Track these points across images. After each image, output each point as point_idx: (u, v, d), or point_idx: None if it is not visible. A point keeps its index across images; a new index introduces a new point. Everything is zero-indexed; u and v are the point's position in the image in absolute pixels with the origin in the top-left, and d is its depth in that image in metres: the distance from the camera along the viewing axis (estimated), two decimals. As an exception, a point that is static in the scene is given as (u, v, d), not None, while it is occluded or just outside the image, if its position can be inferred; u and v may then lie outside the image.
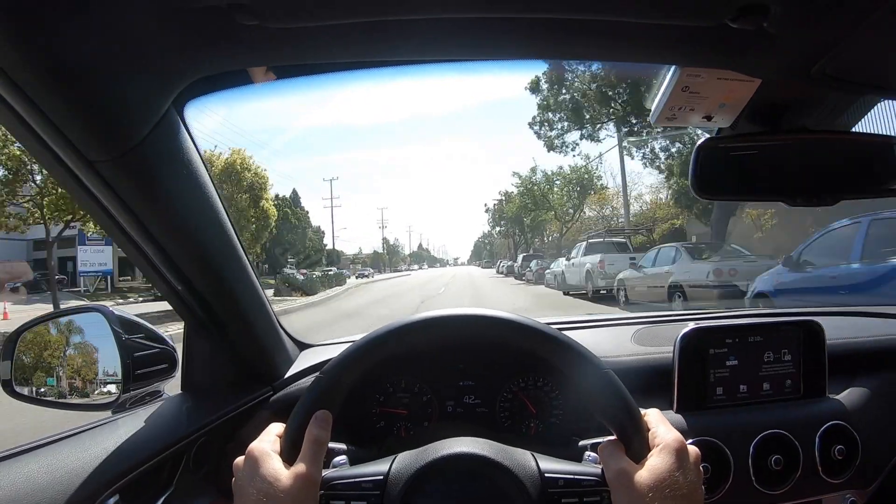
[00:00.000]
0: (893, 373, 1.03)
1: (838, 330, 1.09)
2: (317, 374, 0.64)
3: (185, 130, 0.65)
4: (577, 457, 0.69)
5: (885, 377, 1.02)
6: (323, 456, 0.61)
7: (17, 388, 0.82)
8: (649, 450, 0.59)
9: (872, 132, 0.83)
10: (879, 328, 1.17)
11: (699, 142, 0.74)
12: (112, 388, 0.82)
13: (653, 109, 0.73)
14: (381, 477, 0.61)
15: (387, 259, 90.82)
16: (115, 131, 0.56)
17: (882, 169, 0.80)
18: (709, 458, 0.86)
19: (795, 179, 0.77)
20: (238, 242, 0.79)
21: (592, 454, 0.68)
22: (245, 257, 0.82)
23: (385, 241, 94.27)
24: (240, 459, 0.61)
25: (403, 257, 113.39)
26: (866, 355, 1.07)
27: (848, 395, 0.99)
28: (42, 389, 0.84)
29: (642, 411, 0.63)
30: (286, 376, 0.96)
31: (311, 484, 0.59)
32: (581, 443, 0.72)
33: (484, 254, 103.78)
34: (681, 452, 0.58)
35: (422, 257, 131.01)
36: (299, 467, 0.58)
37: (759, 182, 0.76)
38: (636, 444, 0.60)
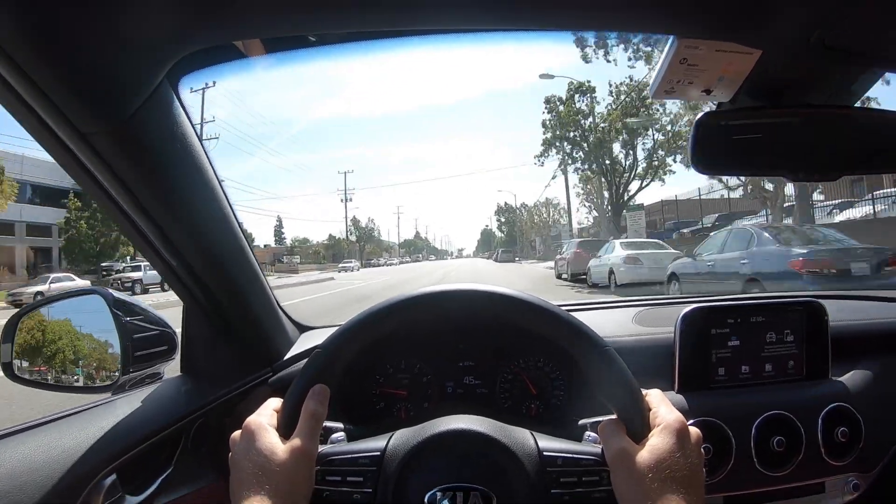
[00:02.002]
0: None
1: (842, 312, 1.08)
2: (315, 348, 0.64)
3: (178, 104, 0.65)
4: (577, 437, 0.68)
5: (888, 360, 1.01)
6: (319, 431, 0.60)
7: (18, 371, 0.83)
8: (650, 430, 0.59)
9: (875, 107, 0.82)
10: (883, 312, 1.16)
11: (698, 116, 0.73)
12: (111, 370, 0.82)
13: (651, 82, 0.72)
14: (378, 453, 0.61)
15: (358, 248, 65.46)
16: (108, 103, 0.56)
17: (885, 144, 0.79)
18: (710, 439, 0.85)
19: (797, 155, 0.76)
20: (234, 220, 0.79)
21: (592, 434, 0.67)
22: (242, 236, 0.82)
23: (354, 222, 66.39)
24: (237, 434, 0.61)
25: (388, 247, 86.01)
26: (870, 338, 1.06)
27: (851, 378, 0.98)
28: (42, 372, 0.85)
29: (644, 391, 0.62)
30: (286, 358, 0.96)
31: (308, 458, 0.58)
32: (581, 422, 0.72)
33: (494, 243, 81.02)
34: (682, 433, 0.58)
35: (417, 247, 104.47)
36: (295, 441, 0.58)
37: (760, 157, 0.75)
38: (637, 423, 0.59)
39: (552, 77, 19.91)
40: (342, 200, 60.68)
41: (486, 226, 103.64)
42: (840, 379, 0.97)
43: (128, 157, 0.62)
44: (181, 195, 0.70)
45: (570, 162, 22.70)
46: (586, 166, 22.07)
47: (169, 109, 0.64)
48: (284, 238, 60.47)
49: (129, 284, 19.44)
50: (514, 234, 61.74)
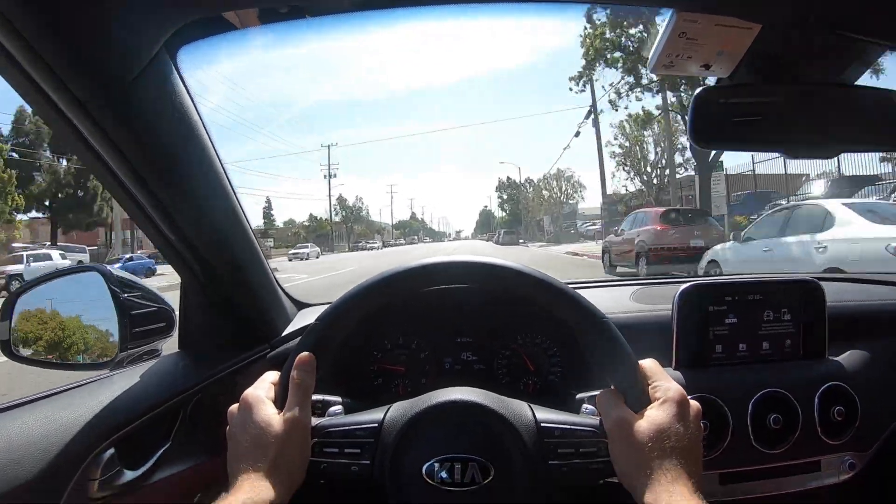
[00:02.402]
0: (894, 337, 1.03)
1: (839, 294, 1.08)
2: (313, 321, 0.64)
3: (176, 73, 0.65)
4: (574, 411, 0.68)
5: (885, 342, 1.01)
6: (309, 399, 0.60)
7: (16, 350, 0.83)
8: (649, 401, 0.58)
9: (874, 86, 0.82)
10: (881, 294, 1.16)
11: (697, 91, 0.73)
12: (110, 347, 0.82)
13: (650, 56, 0.72)
14: (376, 424, 0.61)
15: (345, 229, 58.34)
16: (105, 69, 0.56)
17: (883, 122, 0.79)
18: (707, 416, 0.85)
19: (795, 131, 0.76)
20: (233, 194, 0.79)
21: (590, 407, 0.68)
22: (241, 211, 0.81)
23: (340, 201, 58.65)
24: (234, 407, 0.62)
25: (380, 228, 76.73)
26: (868, 319, 1.06)
27: (848, 358, 0.98)
28: (40, 350, 0.85)
29: (640, 362, 0.62)
30: (283, 334, 0.96)
31: (301, 428, 0.58)
32: (578, 395, 0.72)
33: (494, 224, 71.86)
34: (682, 405, 0.58)
35: (412, 228, 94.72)
36: (288, 413, 0.58)
37: (758, 133, 0.75)
38: (635, 394, 0.59)
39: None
40: (325, 177, 51.61)
41: (486, 206, 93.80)
42: (837, 359, 0.97)
43: (126, 126, 0.62)
44: (179, 166, 0.70)
45: (625, 92, 14.31)
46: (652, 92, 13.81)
47: (167, 79, 0.64)
48: (274, 220, 56.70)
49: (3, 282, 14.50)
50: (518, 212, 51.68)
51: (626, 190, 20.35)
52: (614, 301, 1.08)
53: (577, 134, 18.86)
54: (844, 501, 0.96)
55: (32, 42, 0.50)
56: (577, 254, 16.29)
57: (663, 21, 0.69)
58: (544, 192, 38.25)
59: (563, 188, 36.37)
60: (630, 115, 16.23)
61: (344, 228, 59.12)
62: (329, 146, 55.60)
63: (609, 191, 19.89)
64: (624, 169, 19.75)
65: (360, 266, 18.21)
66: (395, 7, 0.63)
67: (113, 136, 0.62)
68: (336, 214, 57.56)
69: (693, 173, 13.71)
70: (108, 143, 0.62)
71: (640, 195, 18.73)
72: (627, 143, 18.67)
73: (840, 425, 0.91)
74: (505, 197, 61.07)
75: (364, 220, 67.09)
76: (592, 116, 16.19)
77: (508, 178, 58.95)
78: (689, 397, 0.60)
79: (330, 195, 53.23)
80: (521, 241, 37.09)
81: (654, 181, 16.27)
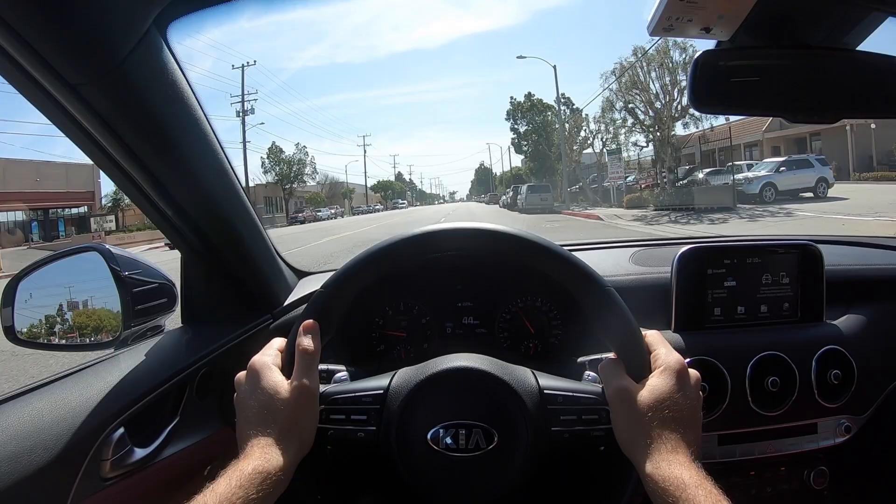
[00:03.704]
0: (891, 302, 1.04)
1: (837, 257, 1.08)
2: (318, 288, 0.64)
3: (167, 50, 0.64)
4: (576, 375, 0.69)
5: (882, 306, 1.02)
6: (316, 365, 0.61)
7: (19, 335, 0.83)
8: (650, 370, 0.59)
9: (877, 52, 0.81)
10: (879, 258, 1.16)
11: (697, 54, 0.72)
12: (113, 325, 0.83)
13: (649, 19, 0.71)
14: (382, 391, 0.62)
15: (283, 193, 38.21)
16: (96, 51, 0.55)
17: (884, 89, 0.78)
18: (706, 378, 0.86)
19: (796, 95, 0.76)
20: (228, 165, 0.78)
21: (592, 373, 0.69)
22: (237, 181, 0.81)
23: (274, 151, 37.52)
24: (241, 374, 0.62)
25: (347, 191, 53.91)
26: (865, 284, 1.07)
27: (845, 322, 0.99)
28: (44, 333, 0.85)
29: (643, 332, 0.63)
30: (286, 304, 0.96)
31: (310, 395, 0.59)
32: (580, 360, 0.73)
33: (494, 182, 58.63)
34: (682, 374, 0.59)
35: (396, 191, 74.29)
36: (296, 380, 0.59)
37: (759, 97, 0.75)
38: (637, 363, 0.60)
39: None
40: (238, 113, 31.74)
41: (482, 163, 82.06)
42: (834, 322, 0.98)
43: (119, 107, 0.61)
44: (175, 143, 0.69)
45: None
46: None
47: (158, 56, 0.63)
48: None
49: None
50: (548, 154, 29.72)
51: None
52: (614, 263, 1.08)
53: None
54: (840, 463, 0.98)
55: (19, 29, 0.49)
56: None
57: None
58: (625, 104, 18.52)
59: (670, 86, 16.72)
60: None
61: (281, 193, 38.32)
62: (243, 66, 33.81)
63: None
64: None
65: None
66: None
67: (106, 118, 0.61)
68: (266, 172, 37.56)
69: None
70: (101, 124, 0.61)
71: None
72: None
73: (837, 388, 0.93)
74: (524, 130, 32.38)
75: (308, 180, 41.46)
76: None
77: (529, 95, 32.09)
78: (688, 360, 0.61)
79: (245, 139, 32.12)
80: (555, 204, 22.21)
81: None
